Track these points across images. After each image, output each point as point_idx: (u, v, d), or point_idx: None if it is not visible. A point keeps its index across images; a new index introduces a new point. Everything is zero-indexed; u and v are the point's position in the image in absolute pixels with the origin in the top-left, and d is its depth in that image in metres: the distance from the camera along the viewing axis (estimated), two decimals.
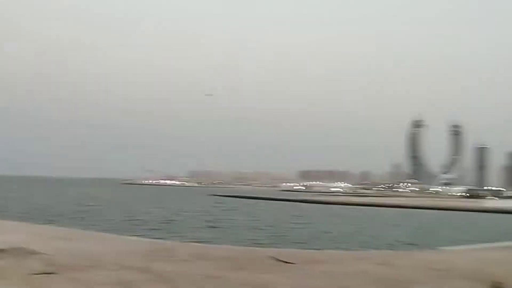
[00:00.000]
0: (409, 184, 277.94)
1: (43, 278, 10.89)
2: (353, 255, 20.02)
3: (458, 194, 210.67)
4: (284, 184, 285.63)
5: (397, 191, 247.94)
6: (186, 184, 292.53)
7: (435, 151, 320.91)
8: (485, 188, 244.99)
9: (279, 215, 63.45)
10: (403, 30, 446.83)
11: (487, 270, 14.42)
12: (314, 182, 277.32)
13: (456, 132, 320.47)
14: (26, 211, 49.04)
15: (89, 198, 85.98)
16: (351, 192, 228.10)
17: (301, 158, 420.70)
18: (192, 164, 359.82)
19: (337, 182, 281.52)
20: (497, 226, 53.53)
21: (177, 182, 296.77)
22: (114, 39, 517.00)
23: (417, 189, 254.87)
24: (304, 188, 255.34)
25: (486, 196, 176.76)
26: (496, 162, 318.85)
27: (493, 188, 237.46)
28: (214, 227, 41.02)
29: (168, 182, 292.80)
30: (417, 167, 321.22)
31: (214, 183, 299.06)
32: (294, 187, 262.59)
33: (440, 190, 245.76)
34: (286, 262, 15.29)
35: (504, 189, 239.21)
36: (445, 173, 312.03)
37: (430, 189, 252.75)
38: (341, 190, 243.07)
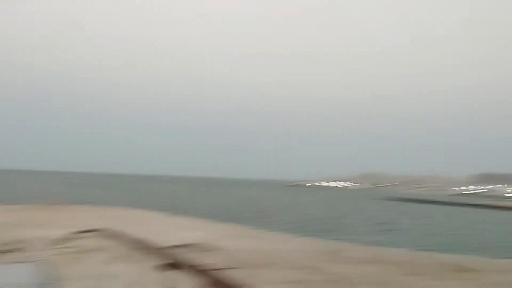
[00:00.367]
0: None
1: (226, 272, 11.38)
2: None
3: None
4: (457, 188, 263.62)
5: None
6: (352, 186, 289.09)
7: None
8: None
9: (457, 220, 58.49)
10: None
11: None
12: (494, 186, 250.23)
13: None
14: (198, 209, 52.51)
15: (261, 200, 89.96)
16: None
17: (479, 160, 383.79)
18: (358, 166, 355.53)
19: None
20: None
21: (344, 184, 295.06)
22: None
23: None
24: (482, 191, 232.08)
25: None
26: None
27: None
28: (388, 230, 39.40)
29: (334, 184, 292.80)
30: None
31: (383, 186, 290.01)
32: (468, 191, 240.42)
33: None
34: (469, 270, 13.81)
35: None
36: None
37: None
38: None
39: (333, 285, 10.80)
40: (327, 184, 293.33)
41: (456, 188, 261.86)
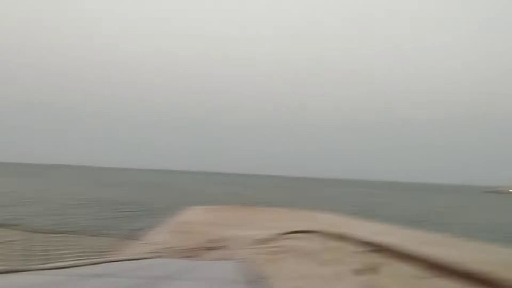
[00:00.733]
0: None
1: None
2: None
3: None
4: None
5: None
6: None
7: None
8: None
9: None
10: None
11: None
12: None
13: None
14: (391, 215, 50.18)
15: (461, 208, 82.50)
16: None
17: None
18: None
19: None
20: None
21: None
22: None
23: None
24: None
25: None
26: None
27: None
28: None
29: None
30: None
31: None
32: None
33: None
34: None
35: None
36: None
37: None
38: None
39: None
40: None
41: None
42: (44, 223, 21.49)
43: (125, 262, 16.31)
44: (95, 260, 16.07)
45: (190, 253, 21.14)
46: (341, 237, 16.33)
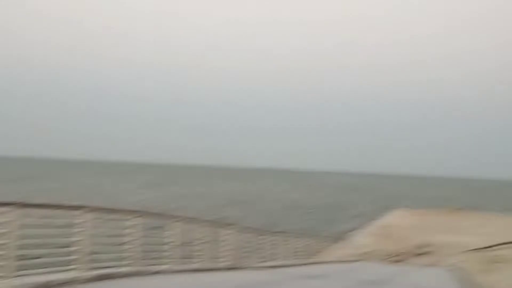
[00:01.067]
0: None
1: None
2: None
3: None
4: None
5: None
6: None
7: None
8: None
9: None
10: None
11: None
12: None
13: None
14: None
15: None
16: None
17: None
18: None
19: None
20: None
21: None
22: None
23: None
24: None
25: None
26: None
27: None
28: None
29: None
30: None
31: None
32: None
33: None
34: None
35: None
36: None
37: None
38: None
39: None
40: None
41: None
42: (253, 223, 23.73)
43: (335, 264, 17.17)
44: (306, 261, 17.28)
45: (397, 258, 21.00)
46: None
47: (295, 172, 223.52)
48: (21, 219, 5.91)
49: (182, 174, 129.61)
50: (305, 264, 16.09)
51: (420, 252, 21.70)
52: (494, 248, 14.50)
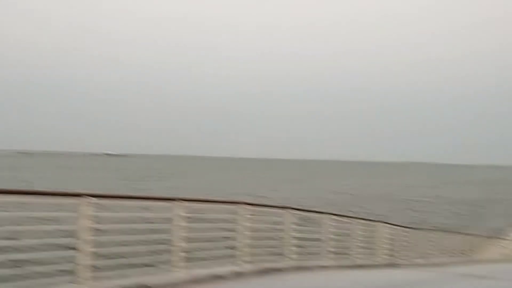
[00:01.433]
0: None
1: None
2: None
3: None
4: None
5: None
6: None
7: None
8: None
9: None
10: None
11: None
12: None
13: None
14: None
15: None
16: None
17: None
18: None
19: None
20: None
21: None
22: None
23: None
24: None
25: None
26: None
27: None
28: None
29: None
30: None
31: None
32: None
33: None
34: None
35: None
36: None
37: None
38: None
39: None
40: None
41: None
42: (400, 219, 22.67)
43: (497, 264, 15.67)
44: (463, 259, 16.03)
45: None
46: None
47: (434, 165, 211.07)
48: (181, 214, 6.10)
49: (317, 170, 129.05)
50: (464, 262, 15.00)
51: None
52: None
